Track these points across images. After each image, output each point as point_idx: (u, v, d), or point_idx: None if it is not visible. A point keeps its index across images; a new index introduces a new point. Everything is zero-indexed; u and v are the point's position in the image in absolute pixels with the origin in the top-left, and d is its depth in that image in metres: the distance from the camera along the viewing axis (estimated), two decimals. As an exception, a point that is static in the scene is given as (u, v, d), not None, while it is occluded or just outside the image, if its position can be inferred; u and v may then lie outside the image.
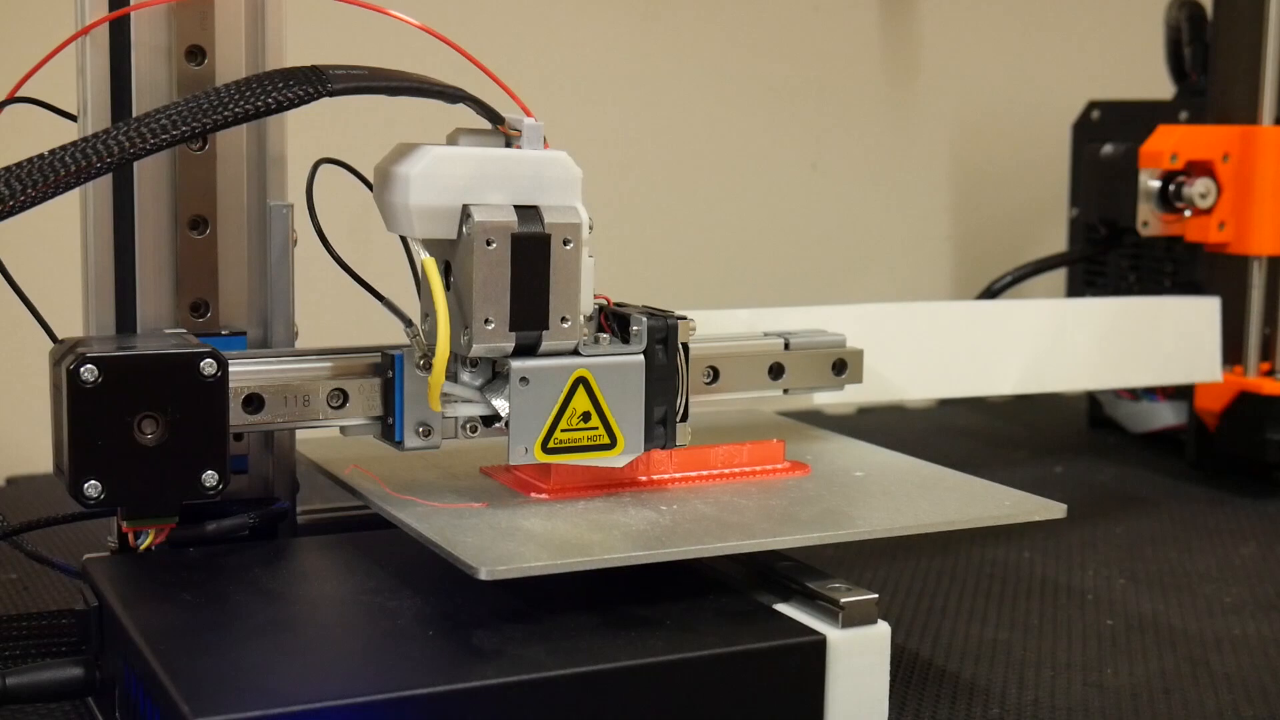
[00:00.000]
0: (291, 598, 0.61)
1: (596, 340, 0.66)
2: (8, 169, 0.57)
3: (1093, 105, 1.26)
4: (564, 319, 0.64)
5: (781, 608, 0.62)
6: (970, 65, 1.46)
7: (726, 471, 0.71)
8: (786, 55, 1.36)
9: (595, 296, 0.67)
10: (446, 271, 0.64)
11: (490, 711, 0.53)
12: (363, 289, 0.69)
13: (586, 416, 0.65)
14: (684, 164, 1.33)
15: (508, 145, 0.65)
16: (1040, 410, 1.38)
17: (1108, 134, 1.16)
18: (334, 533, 0.70)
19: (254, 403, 0.63)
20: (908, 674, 0.71)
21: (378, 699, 0.51)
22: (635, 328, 0.66)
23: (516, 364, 0.64)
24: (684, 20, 1.31)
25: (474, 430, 0.66)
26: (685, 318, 0.67)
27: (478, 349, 0.63)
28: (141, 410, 0.59)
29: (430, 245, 0.63)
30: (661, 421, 0.67)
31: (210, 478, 0.61)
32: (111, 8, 0.65)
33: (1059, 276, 1.31)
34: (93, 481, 0.59)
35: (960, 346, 0.93)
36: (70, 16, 0.66)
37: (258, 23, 0.68)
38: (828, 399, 0.81)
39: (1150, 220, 1.10)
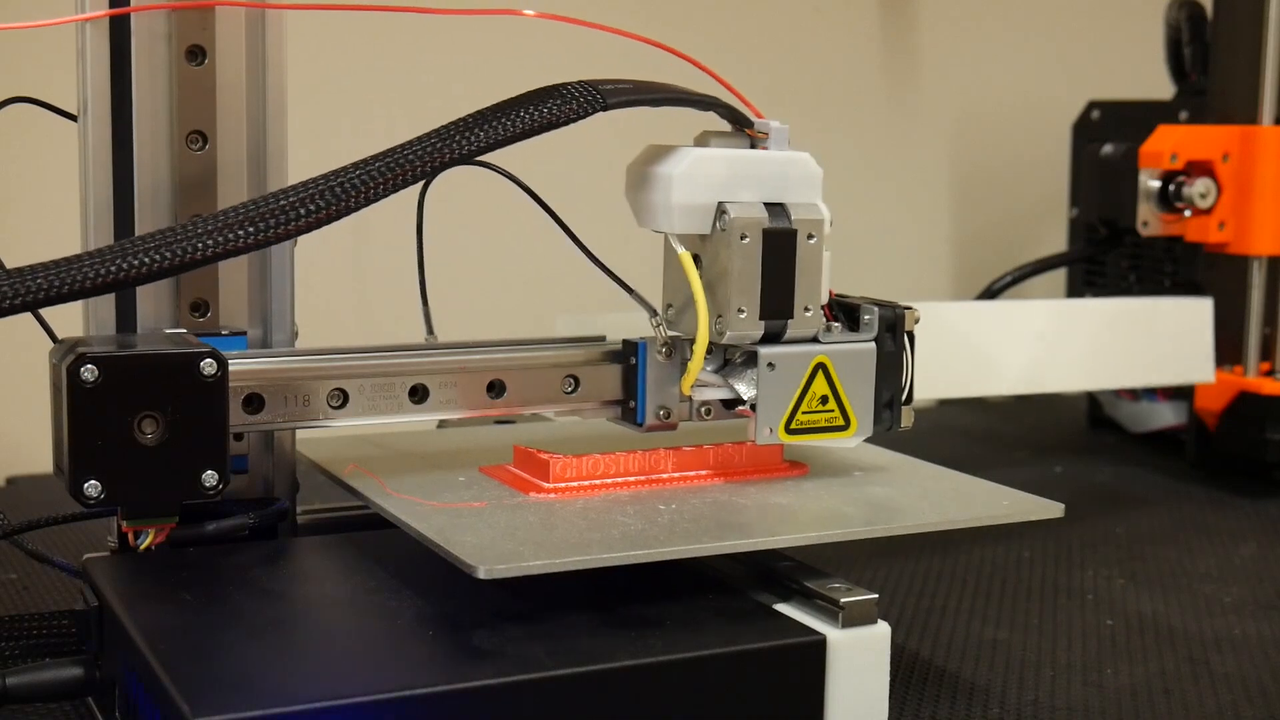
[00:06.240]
0: (291, 598, 0.61)
1: (829, 329, 0.69)
2: (308, 183, 0.58)
3: (1093, 105, 1.26)
4: (806, 308, 0.68)
5: (781, 608, 0.62)
6: (970, 65, 1.46)
7: (725, 471, 0.71)
8: (786, 55, 1.36)
9: None
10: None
11: (490, 711, 0.53)
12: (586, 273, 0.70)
13: (825, 400, 0.68)
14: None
15: (751, 146, 0.68)
16: (1040, 410, 1.38)
17: (1108, 134, 1.16)
18: (334, 533, 0.70)
19: (254, 403, 0.64)
20: (908, 674, 0.71)
21: (378, 699, 0.51)
22: (866, 317, 0.70)
23: (764, 350, 0.67)
24: (683, 20, 1.31)
25: (709, 413, 0.70)
26: (910, 308, 0.70)
27: (731, 336, 0.67)
28: (141, 410, 0.59)
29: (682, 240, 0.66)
30: (888, 404, 0.70)
31: (210, 478, 0.61)
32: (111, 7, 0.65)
33: (1059, 276, 1.31)
34: (93, 481, 0.59)
35: (960, 346, 0.93)
36: (69, 15, 0.66)
37: (258, 23, 0.68)
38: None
39: (1150, 220, 1.10)
